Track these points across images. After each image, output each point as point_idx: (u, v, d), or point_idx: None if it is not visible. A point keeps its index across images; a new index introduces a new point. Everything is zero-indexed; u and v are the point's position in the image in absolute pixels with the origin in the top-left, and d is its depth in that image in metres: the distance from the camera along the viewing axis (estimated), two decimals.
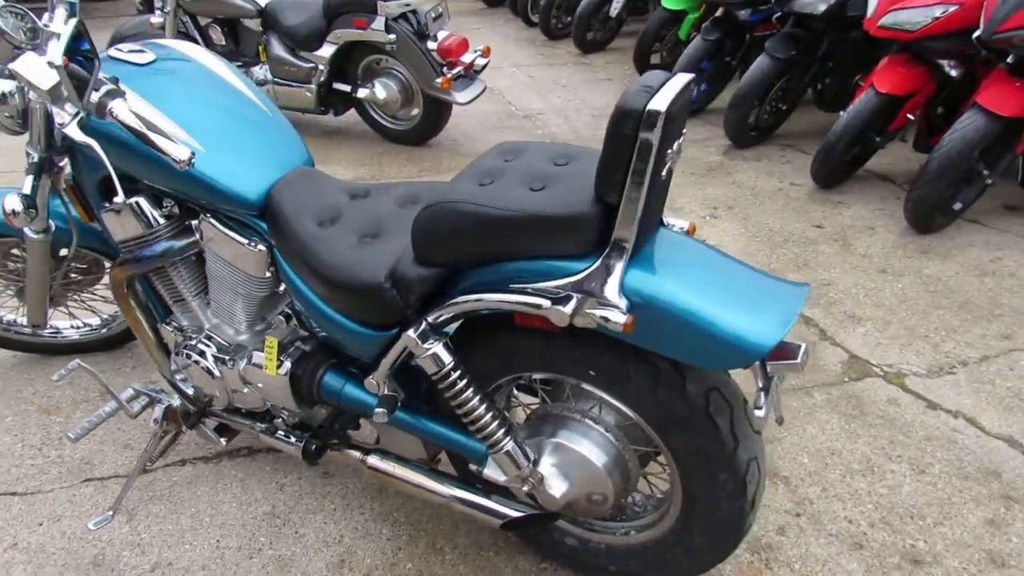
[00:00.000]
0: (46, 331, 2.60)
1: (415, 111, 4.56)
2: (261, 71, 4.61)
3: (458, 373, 1.51)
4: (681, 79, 1.26)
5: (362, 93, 4.47)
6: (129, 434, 2.31)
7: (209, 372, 1.90)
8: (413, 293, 1.48)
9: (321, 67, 4.43)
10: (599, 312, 1.31)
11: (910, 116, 3.61)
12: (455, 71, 4.21)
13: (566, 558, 1.83)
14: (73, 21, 1.50)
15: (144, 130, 1.47)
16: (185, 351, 1.93)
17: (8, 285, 2.44)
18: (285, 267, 1.70)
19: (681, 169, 4.22)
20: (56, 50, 1.45)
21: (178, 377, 2.01)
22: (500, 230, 1.36)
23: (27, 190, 1.80)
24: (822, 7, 3.90)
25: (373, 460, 1.80)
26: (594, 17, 6.54)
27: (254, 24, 4.58)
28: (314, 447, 1.90)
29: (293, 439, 1.92)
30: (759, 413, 1.34)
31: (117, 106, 1.48)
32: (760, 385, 1.38)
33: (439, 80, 4.16)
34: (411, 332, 1.49)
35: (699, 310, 1.29)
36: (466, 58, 4.29)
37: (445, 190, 1.43)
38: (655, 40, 5.62)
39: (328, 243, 1.60)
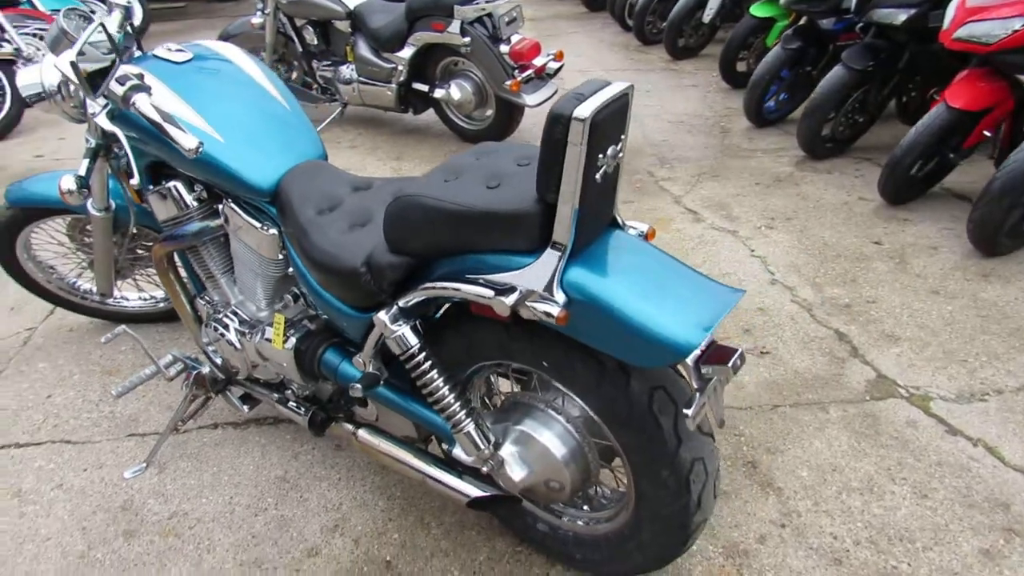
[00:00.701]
0: (114, 300, 2.88)
1: (489, 112, 4.70)
2: (348, 70, 4.87)
3: (423, 355, 1.62)
4: (614, 88, 1.32)
5: (438, 93, 4.64)
6: (173, 397, 2.54)
7: (232, 344, 2.08)
8: (385, 279, 1.60)
9: (401, 67, 4.63)
10: (538, 305, 1.39)
11: (987, 133, 3.45)
12: (526, 74, 4.32)
13: (538, 543, 1.91)
14: (93, 25, 1.70)
15: (160, 120, 1.65)
16: (213, 323, 2.12)
17: (84, 258, 2.73)
18: (290, 249, 1.86)
19: (747, 178, 4.17)
20: (68, 53, 1.66)
21: (208, 347, 2.21)
22: (453, 224, 1.46)
23: (82, 172, 2.03)
24: (902, 17, 3.78)
25: (362, 434, 1.94)
26: (686, 23, 6.50)
27: (344, 26, 4.85)
28: (319, 419, 2.06)
29: (302, 411, 2.08)
30: (688, 412, 1.38)
31: (139, 99, 1.67)
32: (696, 386, 1.42)
33: (509, 82, 4.28)
34: (381, 314, 1.61)
35: (630, 309, 1.35)
36: (538, 61, 4.39)
37: (415, 184, 1.54)
38: (741, 48, 5.54)
39: (321, 229, 1.75)
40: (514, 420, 1.69)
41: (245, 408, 2.23)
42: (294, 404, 2.11)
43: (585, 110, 1.26)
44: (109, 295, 2.65)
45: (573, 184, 1.31)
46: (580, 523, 1.83)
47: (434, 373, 1.64)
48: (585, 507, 1.85)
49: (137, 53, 1.99)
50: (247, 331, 2.06)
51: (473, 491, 1.75)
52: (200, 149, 1.65)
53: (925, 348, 2.68)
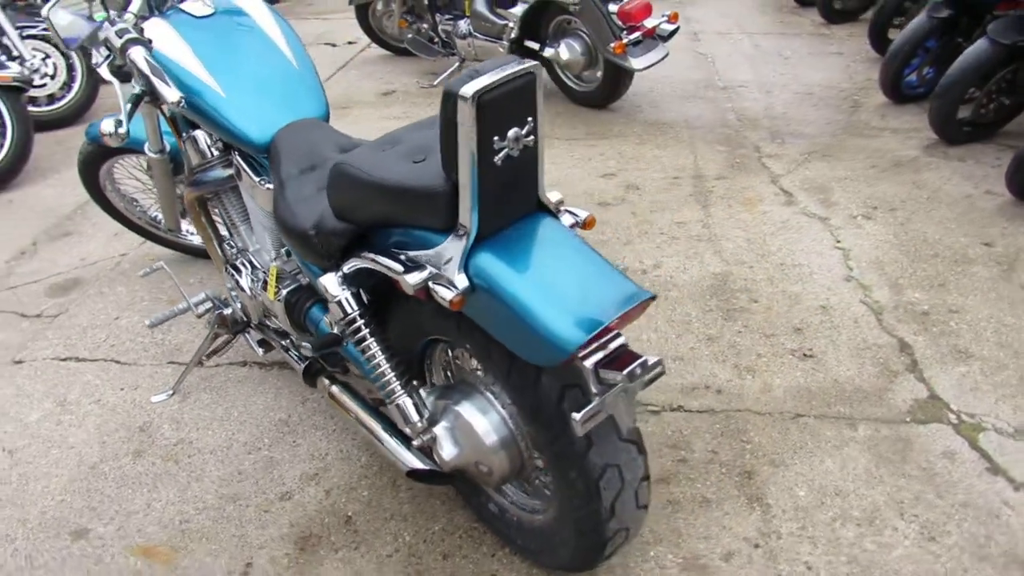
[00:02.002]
0: (184, 234, 3.09)
1: (599, 73, 4.55)
2: (465, 25, 4.87)
3: (361, 323, 1.63)
4: (514, 67, 1.24)
5: (548, 52, 4.55)
6: None
7: (243, 289, 2.19)
8: (330, 243, 1.62)
9: (512, 24, 4.57)
10: (437, 287, 1.36)
11: None
12: (633, 36, 4.13)
13: (487, 522, 1.89)
14: None
15: (149, 73, 1.74)
16: (231, 268, 2.24)
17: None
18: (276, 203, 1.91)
19: (862, 160, 3.80)
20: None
21: (230, 290, 2.33)
22: (371, 195, 1.44)
23: (121, 116, 2.18)
24: None
25: (335, 389, 1.98)
26: None
27: None
28: (314, 370, 2.13)
29: (301, 360, 2.16)
30: (575, 416, 1.30)
31: (134, 52, 1.76)
32: (594, 390, 1.33)
33: (613, 44, 4.11)
34: (325, 277, 1.63)
35: (524, 300, 1.28)
36: (648, 23, 4.19)
37: (356, 152, 1.53)
38: (896, 13, 5.01)
39: (293, 187, 1.78)
40: (454, 400, 1.67)
41: (260, 351, 2.35)
42: (295, 353, 2.19)
43: (472, 88, 1.19)
44: (177, 230, 2.84)
45: (468, 166, 1.25)
46: (522, 510, 1.79)
47: (371, 342, 1.64)
48: (525, 495, 1.80)
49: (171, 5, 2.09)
50: (256, 279, 2.15)
51: (414, 462, 1.75)
52: (181, 103, 1.72)
53: (999, 371, 2.36)
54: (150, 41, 1.84)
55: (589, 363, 1.31)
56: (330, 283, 1.62)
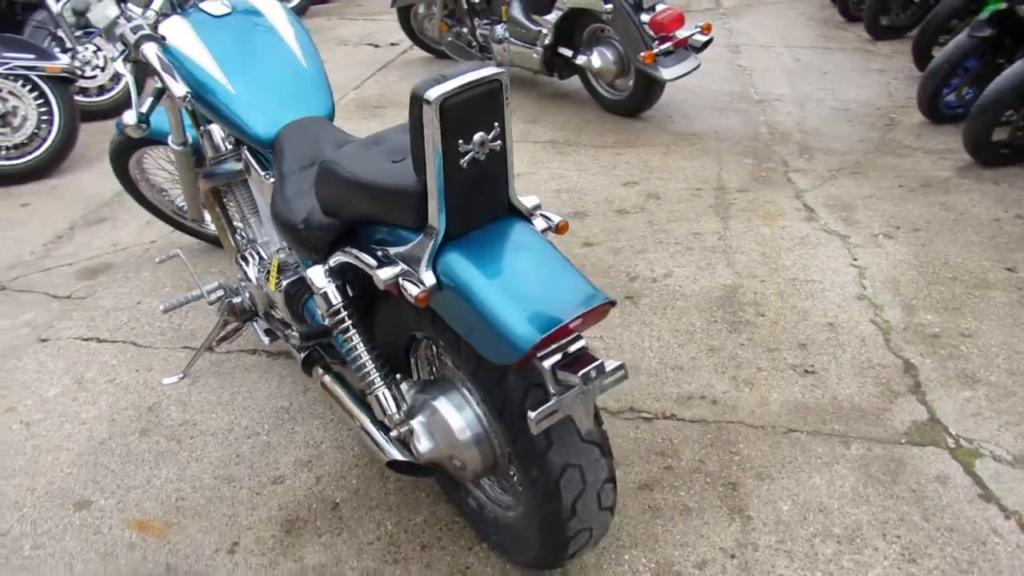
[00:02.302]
0: (207, 224, 3.19)
1: (631, 82, 4.56)
2: (501, 30, 4.93)
3: (343, 315, 1.68)
4: (480, 73, 1.27)
5: (580, 60, 4.58)
6: None
7: (250, 279, 2.27)
8: (317, 237, 1.68)
9: (546, 31, 4.62)
10: (406, 283, 1.40)
11: None
12: (663, 46, 4.14)
13: (467, 516, 1.93)
14: None
15: (159, 69, 1.82)
16: (240, 259, 2.32)
17: None
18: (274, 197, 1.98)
19: (890, 180, 3.75)
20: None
21: (240, 280, 2.42)
22: (351, 192, 1.50)
23: (143, 108, 2.28)
24: None
25: (326, 379, 2.04)
26: None
27: None
28: (312, 360, 2.19)
29: (301, 350, 2.23)
30: (530, 415, 1.33)
31: (146, 48, 1.85)
32: (552, 390, 1.36)
33: (643, 53, 4.13)
34: (311, 270, 1.69)
35: (486, 299, 1.32)
36: (680, 33, 4.19)
37: (343, 149, 1.59)
38: (941, 31, 4.91)
39: (290, 182, 1.85)
40: (432, 395, 1.71)
41: (266, 340, 2.42)
42: (296, 343, 2.26)
43: (436, 92, 1.23)
44: (200, 220, 2.96)
45: (433, 168, 1.30)
46: (498, 506, 1.83)
47: (353, 334, 1.69)
48: (501, 491, 1.84)
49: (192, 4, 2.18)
50: (262, 269, 2.23)
51: (394, 454, 1.80)
52: (187, 98, 1.80)
53: (1005, 398, 2.32)
54: (163, 38, 1.92)
55: (547, 363, 1.34)
56: (316, 275, 1.68)
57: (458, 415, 1.65)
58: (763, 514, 1.97)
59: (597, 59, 4.52)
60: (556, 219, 1.52)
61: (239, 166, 2.18)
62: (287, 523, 2.00)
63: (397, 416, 1.70)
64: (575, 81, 4.95)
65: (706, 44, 4.33)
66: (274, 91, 2.02)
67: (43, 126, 4.08)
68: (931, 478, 2.06)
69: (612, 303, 1.36)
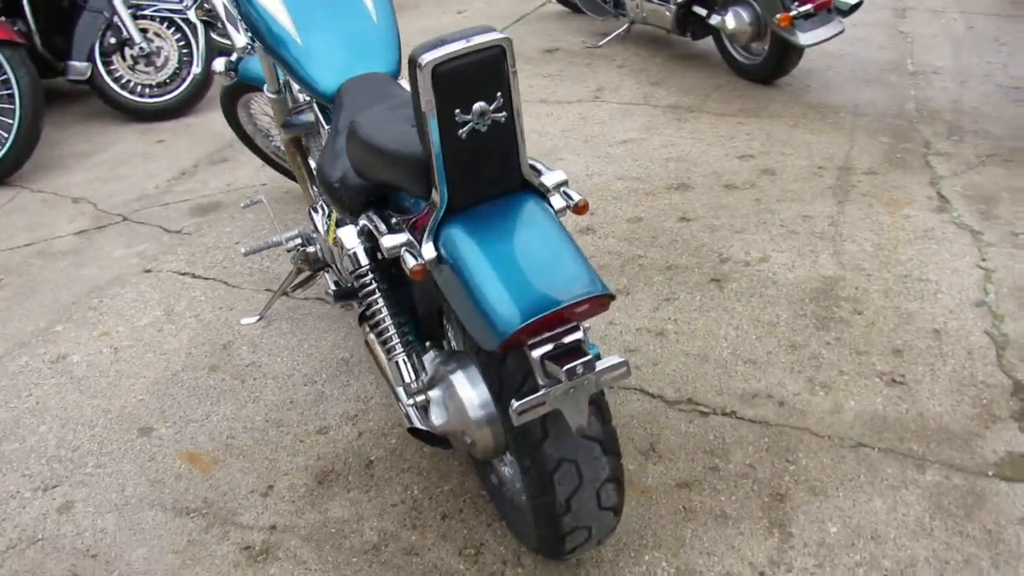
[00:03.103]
0: None
1: (767, 46, 4.25)
2: None
3: (368, 277, 1.67)
4: (478, 38, 1.19)
5: (714, 19, 4.31)
6: None
7: (318, 230, 2.31)
8: (351, 198, 1.66)
9: None
10: (406, 253, 1.36)
11: None
12: (803, 8, 3.82)
13: (489, 492, 1.90)
14: None
15: (224, 18, 1.86)
16: (311, 209, 2.37)
17: None
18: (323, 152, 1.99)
19: None
20: None
21: (312, 230, 2.47)
22: (370, 155, 1.46)
23: (233, 57, 2.34)
24: None
25: (370, 336, 2.05)
26: None
27: None
28: (365, 317, 2.22)
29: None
30: (512, 403, 1.27)
31: None
32: (540, 382, 1.28)
33: (779, 15, 3.82)
34: (342, 229, 1.68)
35: (475, 276, 1.27)
36: None
37: (371, 111, 1.56)
38: None
39: (338, 139, 1.84)
40: (452, 368, 1.67)
41: (333, 290, 2.47)
42: (331, 300, 2.28)
43: (429, 57, 1.17)
44: None
45: (431, 137, 1.24)
46: (514, 487, 1.78)
47: (377, 297, 1.68)
48: (515, 472, 1.78)
49: None
50: (327, 221, 2.26)
51: (415, 421, 1.78)
52: (247, 48, 1.82)
53: None
54: None
55: (536, 353, 1.27)
56: (346, 235, 1.67)
57: (472, 391, 1.60)
58: (807, 533, 1.81)
59: (732, 19, 4.23)
60: (576, 198, 1.42)
61: (310, 118, 2.21)
62: (321, 474, 2.04)
63: (415, 385, 1.67)
64: (709, 43, 4.67)
65: (854, 7, 3.94)
66: (340, 45, 2.01)
67: (183, 67, 4.32)
68: (1014, 520, 1.82)
69: (611, 296, 1.26)
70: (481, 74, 1.21)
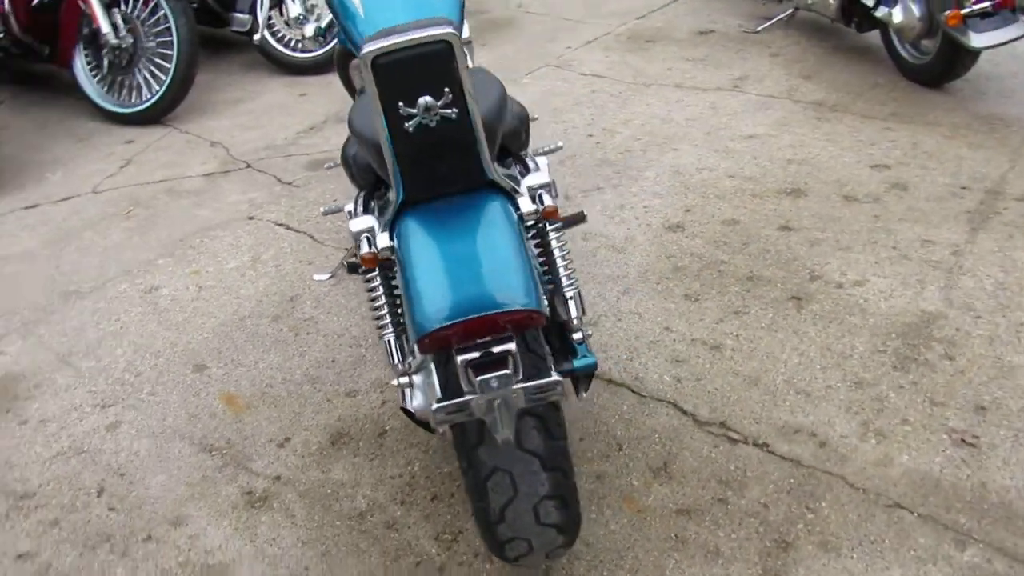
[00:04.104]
0: None
1: (938, 44, 3.81)
2: None
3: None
4: (424, 31, 1.15)
5: (880, 12, 3.91)
6: None
7: None
8: (358, 174, 1.68)
9: None
10: (362, 239, 1.36)
11: None
12: (978, 6, 3.37)
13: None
14: None
15: None
16: None
17: None
18: None
19: None
20: None
21: None
22: (356, 137, 1.46)
23: (323, 23, 2.42)
24: None
25: None
26: None
27: None
28: None
29: None
30: (432, 407, 1.24)
31: None
32: (464, 388, 1.24)
33: (948, 12, 3.40)
34: (349, 203, 1.70)
35: (414, 271, 1.26)
36: None
37: None
38: None
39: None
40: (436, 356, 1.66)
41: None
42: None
43: (368, 48, 1.14)
44: None
45: (379, 128, 1.22)
46: None
47: (372, 276, 1.69)
48: None
49: None
50: None
51: (404, 401, 1.79)
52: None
53: None
54: None
55: (461, 358, 1.23)
56: (349, 206, 1.69)
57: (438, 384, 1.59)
58: None
59: (899, 12, 3.81)
60: (547, 202, 1.35)
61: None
62: (336, 435, 2.11)
63: (400, 367, 1.68)
64: (876, 36, 4.25)
65: None
66: (398, 6, 2.01)
67: (332, 24, 4.51)
68: None
69: (540, 314, 1.20)
70: (425, 68, 1.17)
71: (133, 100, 4.10)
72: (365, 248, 1.33)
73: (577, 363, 1.75)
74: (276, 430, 2.14)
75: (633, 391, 2.20)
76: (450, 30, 1.15)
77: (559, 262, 1.69)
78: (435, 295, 1.21)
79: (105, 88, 4.15)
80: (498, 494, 1.38)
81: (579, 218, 2.00)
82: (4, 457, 2.11)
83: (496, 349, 1.23)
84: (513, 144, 1.68)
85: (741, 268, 2.67)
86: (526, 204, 1.34)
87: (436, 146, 1.25)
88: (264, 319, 2.56)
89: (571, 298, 1.68)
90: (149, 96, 4.04)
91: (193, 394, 2.27)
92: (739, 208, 3.02)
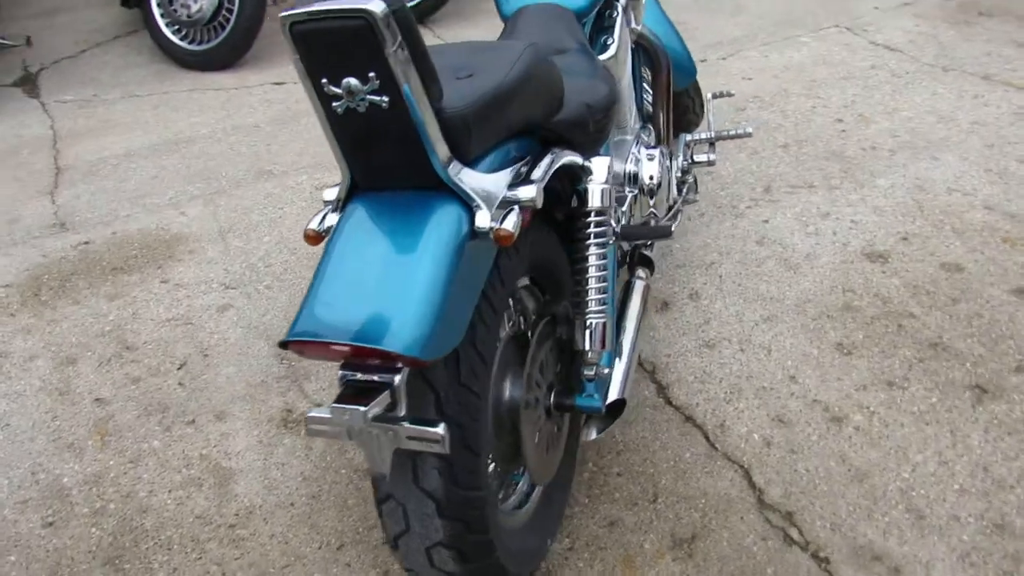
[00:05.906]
0: None
1: None
2: None
3: None
4: (344, 3, 0.95)
5: None
6: None
7: None
8: None
9: None
10: (318, 215, 1.26)
11: None
12: None
13: None
14: None
15: None
16: None
17: None
18: None
19: None
20: None
21: None
22: None
23: None
24: None
25: None
26: None
27: None
28: None
29: None
30: (308, 414, 1.13)
31: None
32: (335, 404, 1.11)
33: None
34: None
35: (322, 267, 1.14)
36: None
37: None
38: None
39: None
40: None
41: None
42: None
43: (288, 11, 0.99)
44: None
45: (313, 102, 1.09)
46: None
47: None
48: None
49: None
50: None
51: None
52: None
53: None
54: None
55: (341, 373, 1.11)
56: None
57: None
58: None
59: None
60: (512, 222, 1.12)
61: None
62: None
63: None
64: None
65: None
66: None
67: None
68: None
69: (417, 361, 1.02)
70: (345, 45, 0.99)
71: None
72: (315, 223, 1.22)
73: (579, 401, 1.53)
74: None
75: (708, 439, 1.89)
76: (375, 4, 0.95)
77: (592, 282, 1.46)
78: (319, 304, 1.09)
79: None
80: (392, 520, 1.25)
81: (662, 232, 1.71)
82: (135, 308, 2.38)
83: (376, 377, 1.08)
84: (577, 136, 1.44)
85: (929, 329, 2.14)
86: (482, 218, 1.13)
87: (371, 134, 1.09)
88: None
89: (588, 327, 1.46)
90: None
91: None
92: (974, 252, 2.40)
